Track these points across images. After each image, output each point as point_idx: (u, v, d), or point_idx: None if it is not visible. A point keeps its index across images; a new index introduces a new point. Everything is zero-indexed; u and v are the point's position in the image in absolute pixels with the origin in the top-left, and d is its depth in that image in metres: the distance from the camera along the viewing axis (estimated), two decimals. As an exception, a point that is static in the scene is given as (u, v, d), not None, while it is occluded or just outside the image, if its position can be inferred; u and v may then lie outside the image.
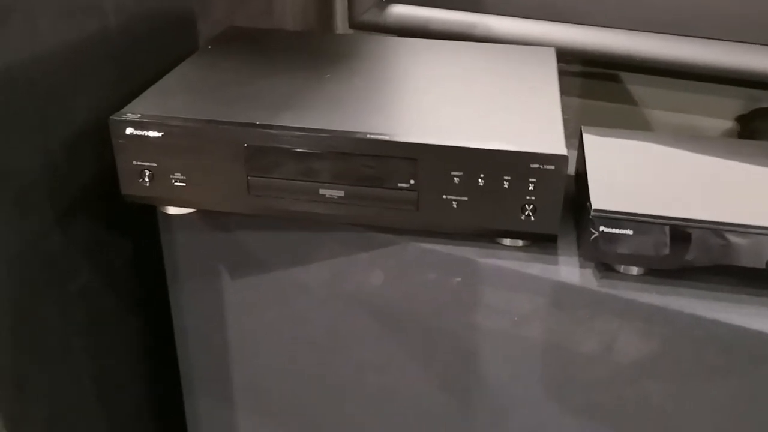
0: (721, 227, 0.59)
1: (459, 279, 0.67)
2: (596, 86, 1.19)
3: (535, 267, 0.66)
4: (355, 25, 1.27)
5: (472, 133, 0.65)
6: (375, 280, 0.73)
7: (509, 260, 0.67)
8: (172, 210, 0.74)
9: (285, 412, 0.86)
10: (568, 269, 0.66)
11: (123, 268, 0.86)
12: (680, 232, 0.59)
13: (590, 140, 0.72)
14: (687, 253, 0.60)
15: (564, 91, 1.16)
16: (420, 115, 0.69)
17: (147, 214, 0.79)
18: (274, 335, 0.82)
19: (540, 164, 0.62)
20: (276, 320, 0.80)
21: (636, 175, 0.66)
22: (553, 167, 0.62)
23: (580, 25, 1.12)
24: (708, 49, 1.04)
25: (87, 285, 0.81)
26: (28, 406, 0.76)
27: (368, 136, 0.65)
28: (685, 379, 0.62)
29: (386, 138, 0.64)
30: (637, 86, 1.17)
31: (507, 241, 0.68)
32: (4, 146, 0.66)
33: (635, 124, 1.18)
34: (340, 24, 1.32)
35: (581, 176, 0.68)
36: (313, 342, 0.79)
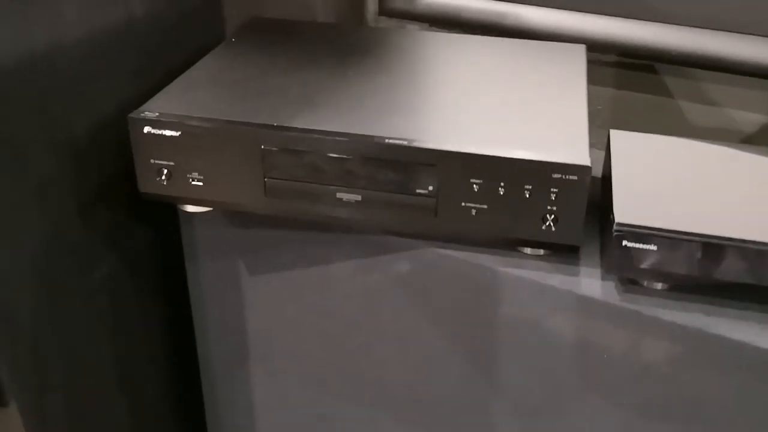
0: (750, 245, 0.56)
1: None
2: (630, 76, 1.16)
3: (555, 278, 0.64)
4: (386, 12, 1.25)
5: (494, 139, 0.63)
6: (393, 282, 0.72)
7: (529, 270, 0.66)
8: (191, 208, 0.73)
9: (302, 403, 0.86)
10: (590, 281, 0.64)
11: (145, 257, 0.86)
12: (707, 249, 0.57)
13: (618, 144, 0.70)
14: (714, 270, 0.58)
15: (598, 81, 1.14)
16: (441, 118, 0.67)
17: (168, 205, 0.79)
18: (291, 329, 0.81)
19: (562, 174, 0.60)
20: (294, 315, 0.80)
21: (664, 185, 0.64)
22: (576, 177, 0.60)
23: (612, 17, 1.09)
24: (743, 43, 1.01)
25: (109, 274, 0.81)
26: (48, 395, 0.77)
27: (386, 141, 0.63)
28: (705, 400, 0.60)
29: (405, 143, 0.63)
30: (672, 77, 1.13)
31: (528, 250, 0.66)
32: (25, 136, 0.66)
33: (669, 116, 1.14)
34: (371, 10, 1.30)
35: (607, 181, 0.66)
36: (331, 337, 0.79)
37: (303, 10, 1.13)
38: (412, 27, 1.29)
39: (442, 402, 0.75)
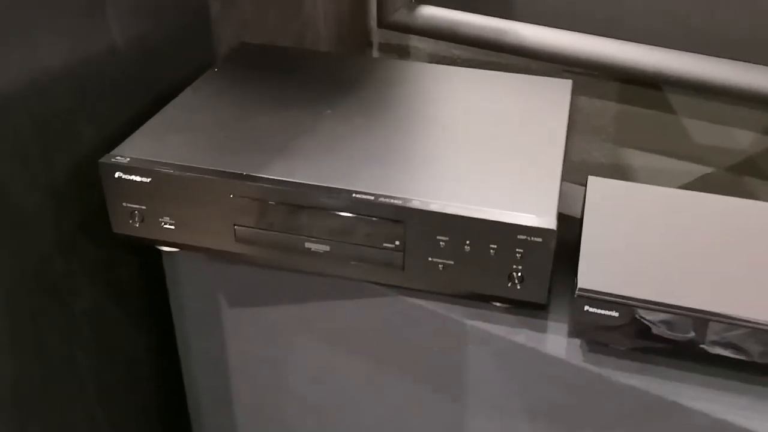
0: (709, 317, 0.56)
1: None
2: (634, 92, 1.15)
3: (521, 334, 0.64)
4: (384, 24, 1.24)
5: (462, 195, 0.63)
6: (364, 325, 0.72)
7: (497, 324, 0.65)
8: (165, 248, 0.74)
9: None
10: (556, 338, 0.64)
11: (128, 288, 0.87)
12: (668, 319, 0.57)
13: (593, 195, 0.69)
14: (676, 340, 0.57)
15: (602, 96, 1.12)
16: (411, 169, 0.67)
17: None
18: (269, 363, 0.82)
19: (527, 236, 0.60)
20: (272, 350, 0.80)
21: (635, 245, 0.63)
22: (540, 239, 0.60)
23: (611, 39, 1.08)
24: (739, 70, 1.00)
25: (92, 306, 0.82)
26: (30, 426, 0.78)
27: (354, 195, 0.63)
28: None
29: (372, 199, 0.63)
30: (675, 95, 1.12)
31: (497, 302, 0.66)
32: (4, 173, 0.66)
33: (672, 133, 1.13)
34: (373, 25, 1.29)
35: (579, 235, 0.65)
36: (307, 373, 0.80)
37: (303, 28, 1.13)
38: (413, 44, 1.28)
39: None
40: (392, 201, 0.62)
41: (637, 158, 1.20)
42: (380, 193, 0.63)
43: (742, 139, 1.11)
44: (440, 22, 1.19)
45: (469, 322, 0.66)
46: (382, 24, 1.25)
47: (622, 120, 1.18)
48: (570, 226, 0.67)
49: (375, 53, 1.33)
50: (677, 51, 1.01)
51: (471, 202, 0.62)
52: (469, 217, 0.61)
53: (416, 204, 0.62)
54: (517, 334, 0.65)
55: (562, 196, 0.65)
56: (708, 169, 1.14)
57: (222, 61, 0.87)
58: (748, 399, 0.57)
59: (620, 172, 1.18)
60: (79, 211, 0.76)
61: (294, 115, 0.74)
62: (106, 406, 0.87)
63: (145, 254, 0.84)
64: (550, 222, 0.59)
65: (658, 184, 0.72)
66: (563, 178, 0.66)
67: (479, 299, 0.66)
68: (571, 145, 1.02)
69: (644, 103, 1.15)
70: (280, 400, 0.83)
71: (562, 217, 0.62)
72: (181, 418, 0.95)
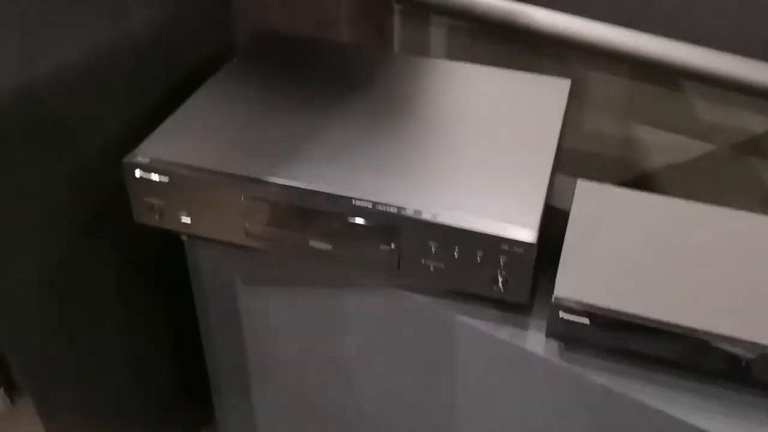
0: (672, 329, 0.61)
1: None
2: (644, 70, 1.17)
3: (505, 330, 0.71)
4: (403, 1, 1.27)
5: (453, 204, 0.68)
6: (364, 312, 0.79)
7: (483, 320, 0.72)
8: (185, 237, 0.80)
9: (294, 395, 0.95)
10: (536, 336, 0.70)
11: (152, 263, 0.94)
12: (638, 329, 0.62)
13: (580, 201, 0.74)
14: (646, 348, 0.63)
15: (616, 72, 1.15)
16: (407, 178, 0.72)
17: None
18: (284, 338, 0.89)
19: (510, 246, 0.65)
20: (284, 327, 0.88)
21: (616, 252, 0.68)
22: (522, 251, 0.65)
23: (618, 27, 1.10)
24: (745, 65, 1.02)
25: (119, 278, 0.89)
26: (59, 387, 0.87)
27: (354, 201, 0.69)
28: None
29: (369, 206, 0.68)
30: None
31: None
32: (30, 162, 0.73)
33: (683, 112, 1.16)
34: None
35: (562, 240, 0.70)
36: (316, 351, 0.87)
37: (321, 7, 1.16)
38: (433, 25, 1.31)
39: (401, 421, 0.83)
40: (388, 209, 0.68)
41: (645, 133, 1.23)
42: (378, 200, 0.69)
43: (746, 120, 1.14)
44: (456, 2, 1.22)
45: (459, 317, 0.72)
46: (401, 0, 1.28)
47: (636, 96, 1.20)
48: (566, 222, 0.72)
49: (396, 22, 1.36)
50: (695, 45, 1.03)
51: (461, 211, 0.67)
52: (457, 227, 0.66)
53: (409, 213, 0.67)
54: (501, 330, 0.71)
55: (561, 192, 0.72)
56: (712, 146, 1.18)
57: (240, 53, 0.92)
58: (700, 399, 0.63)
59: (630, 145, 1.21)
60: (108, 196, 0.82)
61: (304, 118, 0.79)
62: (131, 365, 0.95)
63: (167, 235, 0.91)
64: (531, 235, 0.65)
65: (665, 159, 0.74)
66: (560, 172, 0.70)
67: (466, 298, 0.72)
68: (583, 119, 1.07)
69: (655, 81, 1.18)
70: (285, 364, 0.91)
71: (559, 213, 0.66)
72: (204, 375, 1.04)
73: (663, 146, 1.22)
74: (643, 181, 1.22)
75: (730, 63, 1.04)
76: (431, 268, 0.70)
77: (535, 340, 0.70)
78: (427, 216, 0.67)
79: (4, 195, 0.71)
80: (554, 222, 0.73)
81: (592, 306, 0.63)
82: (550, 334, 0.67)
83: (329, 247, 0.72)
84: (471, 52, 1.29)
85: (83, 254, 0.83)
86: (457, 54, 1.31)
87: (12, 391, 0.84)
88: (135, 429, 1.04)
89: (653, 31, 1.06)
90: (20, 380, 0.84)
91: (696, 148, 1.18)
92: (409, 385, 0.80)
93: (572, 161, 1.16)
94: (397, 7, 1.35)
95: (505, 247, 0.65)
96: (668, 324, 0.62)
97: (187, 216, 0.75)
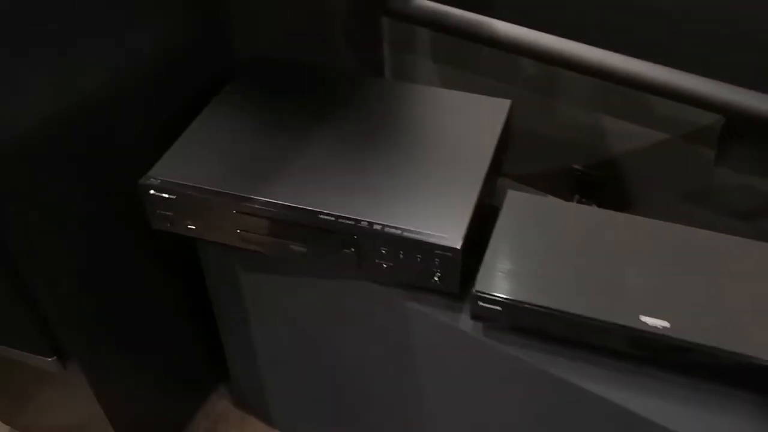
0: (567, 316, 0.80)
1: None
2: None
3: (443, 314, 0.90)
4: (386, 12, 1.42)
5: (399, 216, 0.86)
6: (338, 299, 0.99)
7: (427, 305, 0.91)
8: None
9: (288, 358, 1.16)
10: (466, 318, 0.89)
11: (176, 257, 1.14)
12: (537, 314, 0.81)
13: (509, 209, 0.91)
14: (544, 328, 0.82)
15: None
16: (364, 193, 0.89)
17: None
18: (279, 313, 1.09)
19: (441, 251, 0.84)
20: (277, 305, 1.08)
21: (529, 255, 0.85)
22: (450, 254, 0.84)
23: (573, 41, 1.23)
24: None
25: (147, 273, 1.10)
26: (103, 357, 1.08)
27: (319, 215, 0.88)
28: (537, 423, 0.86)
29: (332, 219, 0.87)
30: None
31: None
32: (71, 179, 0.92)
33: (642, 107, 1.29)
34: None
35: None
36: (308, 332, 1.07)
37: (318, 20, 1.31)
38: (420, 34, 1.45)
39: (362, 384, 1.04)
40: (347, 222, 0.86)
41: (608, 122, 1.38)
42: (339, 214, 0.87)
43: (693, 114, 1.28)
44: (431, 13, 1.36)
45: (408, 303, 0.91)
46: (384, 11, 1.43)
47: (597, 90, 1.34)
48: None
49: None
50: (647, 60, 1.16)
51: (404, 222, 0.85)
52: (401, 236, 0.85)
53: (364, 224, 0.86)
54: (440, 313, 0.90)
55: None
56: (666, 135, 1.33)
57: (235, 80, 1.10)
58: (593, 366, 0.81)
59: (597, 133, 1.36)
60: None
61: (285, 141, 0.98)
62: (163, 345, 1.17)
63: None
64: (456, 242, 0.83)
65: (625, 146, 0.88)
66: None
67: (414, 288, 0.91)
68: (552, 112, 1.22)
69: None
70: (279, 331, 1.12)
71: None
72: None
73: (625, 135, 1.36)
74: (608, 164, 1.37)
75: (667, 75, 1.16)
76: (384, 266, 0.88)
77: (465, 321, 0.88)
78: (377, 227, 0.86)
79: (63, 202, 0.91)
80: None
81: (502, 297, 0.82)
82: (473, 317, 0.86)
83: (304, 249, 0.91)
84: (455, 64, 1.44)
85: (117, 251, 1.03)
86: (444, 71, 1.47)
87: (64, 360, 1.04)
88: (168, 387, 1.27)
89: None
90: (70, 349, 1.04)
91: (652, 136, 1.33)
92: (371, 357, 1.00)
93: (549, 146, 1.32)
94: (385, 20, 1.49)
95: (438, 251, 0.84)
96: (559, 311, 0.80)
97: (192, 224, 0.95)
